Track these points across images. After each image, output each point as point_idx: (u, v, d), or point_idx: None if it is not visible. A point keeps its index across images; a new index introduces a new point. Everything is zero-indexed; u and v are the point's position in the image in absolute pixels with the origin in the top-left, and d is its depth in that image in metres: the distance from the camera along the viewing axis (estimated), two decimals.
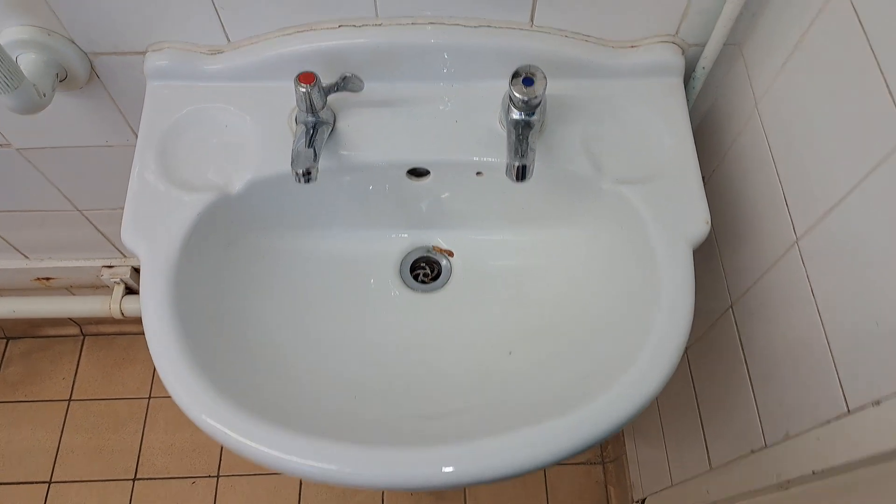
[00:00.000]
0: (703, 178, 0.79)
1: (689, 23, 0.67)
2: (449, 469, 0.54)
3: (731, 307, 0.76)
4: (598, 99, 0.69)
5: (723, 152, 0.76)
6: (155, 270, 0.60)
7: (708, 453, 0.85)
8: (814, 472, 0.59)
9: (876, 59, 0.49)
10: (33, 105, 0.64)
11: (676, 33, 0.68)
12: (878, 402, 0.50)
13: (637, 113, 0.69)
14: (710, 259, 0.79)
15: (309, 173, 0.59)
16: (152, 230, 0.62)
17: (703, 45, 0.69)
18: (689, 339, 0.88)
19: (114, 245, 1.11)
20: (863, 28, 0.51)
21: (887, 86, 0.48)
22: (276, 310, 0.70)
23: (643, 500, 1.13)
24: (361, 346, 0.70)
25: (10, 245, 1.09)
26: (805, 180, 0.59)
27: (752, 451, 0.71)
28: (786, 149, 0.62)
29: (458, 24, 0.66)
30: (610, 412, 0.55)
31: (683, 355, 0.91)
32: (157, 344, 0.57)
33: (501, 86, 0.65)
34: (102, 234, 1.07)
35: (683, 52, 0.70)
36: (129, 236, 0.62)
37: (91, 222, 1.03)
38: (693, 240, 0.63)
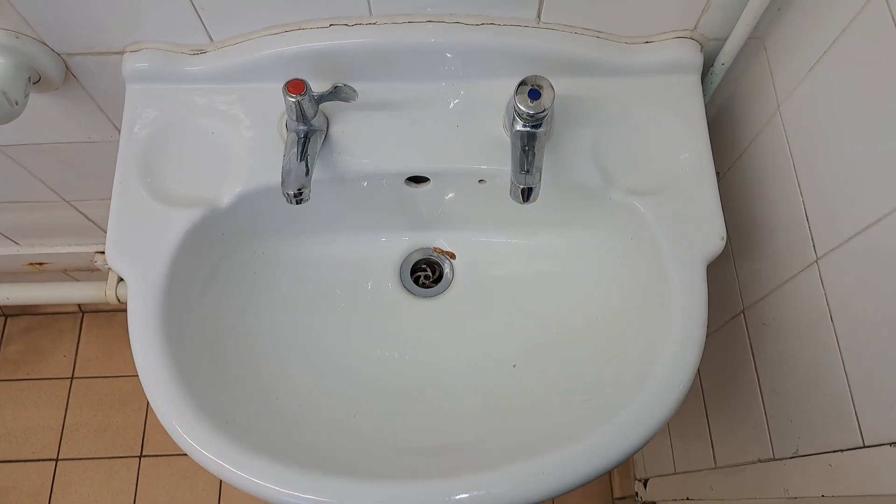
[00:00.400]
0: (718, 173, 0.75)
1: (710, 16, 0.62)
2: (452, 500, 0.52)
3: (743, 312, 0.73)
4: (609, 99, 0.65)
5: (739, 151, 0.71)
6: (143, 295, 0.57)
7: (713, 450, 0.84)
8: (823, 496, 0.58)
9: None
10: (4, 115, 0.60)
11: (695, 27, 0.63)
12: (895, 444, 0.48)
13: (651, 115, 0.64)
14: (723, 258, 0.76)
15: (300, 194, 0.56)
16: (138, 252, 0.59)
17: (724, 40, 0.64)
18: None
19: (104, 231, 1.07)
20: None
21: None
22: (272, 324, 0.68)
23: (646, 481, 1.14)
24: (361, 360, 0.68)
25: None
26: (830, 197, 0.56)
27: (760, 461, 0.70)
28: (810, 159, 0.58)
29: (458, 23, 0.61)
30: (616, 445, 0.54)
31: None
32: (147, 373, 0.55)
33: (505, 86, 0.61)
34: (92, 222, 1.04)
35: (702, 48, 0.64)
36: (115, 259, 0.59)
37: (80, 211, 1.00)
38: (707, 256, 0.60)
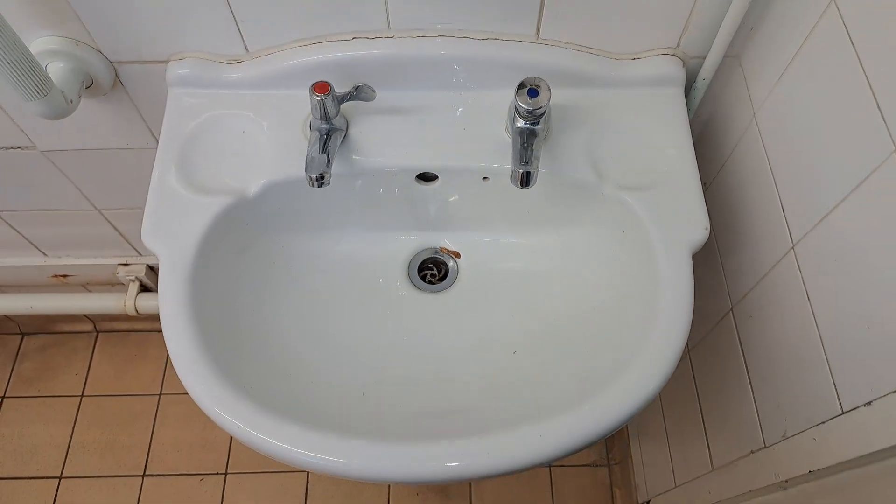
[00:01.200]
0: (705, 184, 0.81)
1: (690, 36, 0.70)
2: (455, 463, 0.56)
3: (732, 310, 0.78)
4: (601, 107, 0.72)
5: (723, 160, 0.78)
6: (173, 269, 0.63)
7: (710, 454, 0.87)
8: (810, 472, 0.61)
9: (865, 73, 0.51)
10: (61, 111, 0.67)
11: (678, 46, 0.71)
12: (869, 403, 0.52)
13: (639, 122, 0.71)
14: (711, 263, 0.81)
15: (322, 178, 0.62)
16: (171, 231, 0.65)
17: (704, 58, 0.71)
18: (692, 341, 0.91)
19: (130, 243, 1.14)
20: (853, 44, 0.53)
21: (875, 99, 0.50)
22: (288, 309, 0.73)
23: (648, 502, 1.15)
24: (370, 344, 0.73)
25: (30, 242, 1.12)
26: (800, 188, 0.61)
27: (752, 452, 0.73)
28: (782, 157, 0.65)
29: (466, 37, 0.68)
30: (609, 411, 0.57)
31: (686, 357, 0.93)
32: (174, 338, 0.60)
33: (508, 95, 0.68)
34: (119, 233, 1.10)
35: (684, 64, 0.72)
36: (149, 237, 0.65)
37: (109, 221, 1.06)
38: (693, 245, 0.65)
